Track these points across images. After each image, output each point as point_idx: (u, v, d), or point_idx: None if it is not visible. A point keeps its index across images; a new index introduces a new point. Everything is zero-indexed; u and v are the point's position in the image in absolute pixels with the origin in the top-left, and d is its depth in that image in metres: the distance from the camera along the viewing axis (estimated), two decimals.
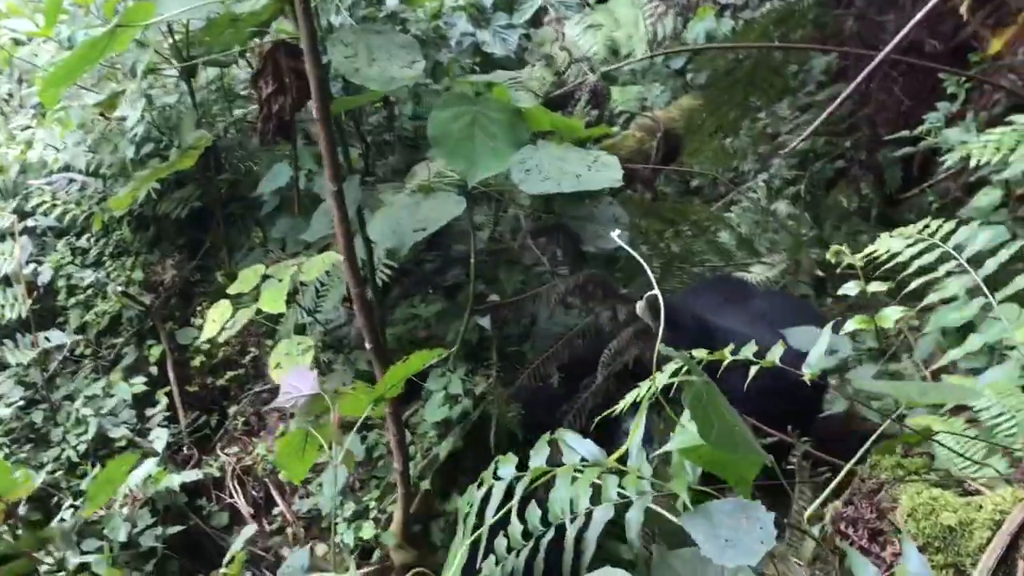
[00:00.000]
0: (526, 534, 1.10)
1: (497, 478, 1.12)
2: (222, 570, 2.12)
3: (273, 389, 3.92)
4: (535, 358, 3.17)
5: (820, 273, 4.36)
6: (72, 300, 3.94)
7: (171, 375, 3.83)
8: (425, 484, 3.23)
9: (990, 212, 3.31)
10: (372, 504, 3.26)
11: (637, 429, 1.06)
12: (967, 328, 2.42)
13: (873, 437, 1.24)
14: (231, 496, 3.59)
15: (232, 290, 3.40)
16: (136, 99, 3.50)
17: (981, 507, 1.01)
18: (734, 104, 4.86)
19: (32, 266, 3.70)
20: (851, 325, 2.73)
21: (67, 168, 3.96)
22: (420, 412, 3.39)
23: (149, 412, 3.62)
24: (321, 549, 3.27)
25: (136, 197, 3.54)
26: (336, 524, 3.13)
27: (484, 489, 1.13)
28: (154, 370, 3.89)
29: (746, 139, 5.37)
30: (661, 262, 4.36)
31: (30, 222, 3.92)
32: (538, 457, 1.15)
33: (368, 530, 3.16)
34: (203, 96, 3.75)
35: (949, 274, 2.51)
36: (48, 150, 3.84)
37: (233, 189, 4.02)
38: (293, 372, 2.00)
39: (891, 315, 2.65)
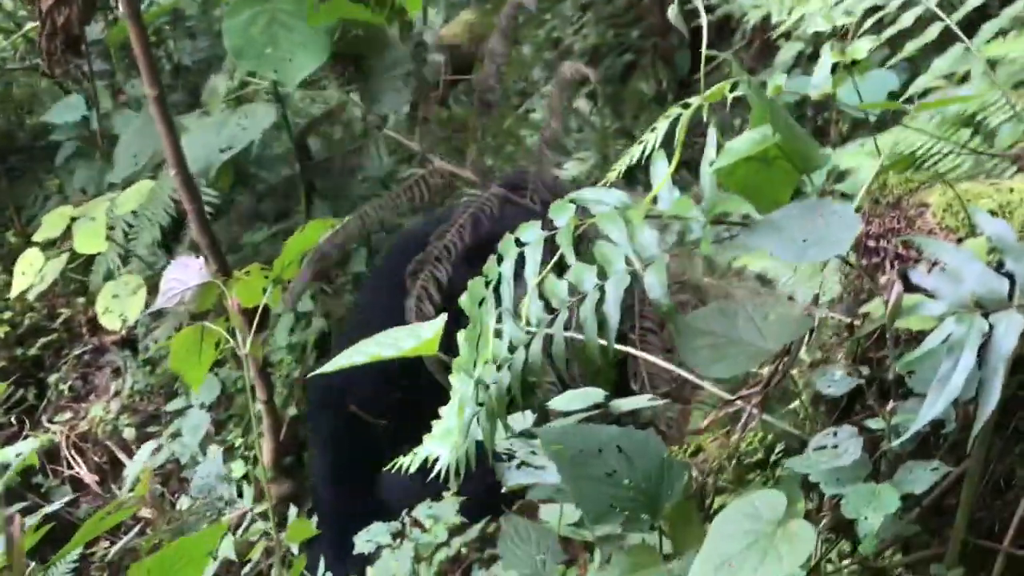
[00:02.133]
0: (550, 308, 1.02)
1: (522, 243, 1.03)
2: (126, 491, 1.89)
3: (97, 348, 3.58)
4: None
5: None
6: None
7: None
8: (291, 411, 3.06)
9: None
10: (238, 442, 3.06)
11: (668, 161, 1.00)
12: None
13: None
14: (70, 467, 3.26)
15: (38, 237, 3.05)
16: None
17: (1012, 190, 1.03)
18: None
19: None
20: None
21: None
22: (272, 339, 3.20)
23: None
24: (185, 502, 3.03)
25: None
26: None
27: (508, 262, 1.03)
28: None
29: (532, 47, 5.40)
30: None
31: None
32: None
33: (238, 468, 2.96)
34: None
35: None
36: None
37: (11, 139, 3.61)
38: (174, 264, 1.79)
39: None
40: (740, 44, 4.09)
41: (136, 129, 3.24)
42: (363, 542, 2.03)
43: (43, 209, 3.57)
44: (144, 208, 3.22)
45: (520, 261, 1.05)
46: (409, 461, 1.16)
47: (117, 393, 3.36)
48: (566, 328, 1.05)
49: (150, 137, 2.89)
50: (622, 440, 1.10)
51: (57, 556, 1.41)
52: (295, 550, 2.17)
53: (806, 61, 3.46)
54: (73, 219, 3.01)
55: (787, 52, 3.50)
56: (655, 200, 1.02)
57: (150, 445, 1.77)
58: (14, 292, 3.00)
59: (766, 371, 1.33)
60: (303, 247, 1.85)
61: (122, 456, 3.25)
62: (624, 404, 1.41)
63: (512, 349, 1.09)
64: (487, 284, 1.05)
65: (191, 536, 1.43)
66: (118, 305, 2.98)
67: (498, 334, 1.08)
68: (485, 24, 5.51)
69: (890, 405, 0.95)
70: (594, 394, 1.40)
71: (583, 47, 5.37)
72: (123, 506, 2.09)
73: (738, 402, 1.37)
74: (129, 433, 3.22)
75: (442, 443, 1.09)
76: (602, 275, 0.98)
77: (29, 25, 3.61)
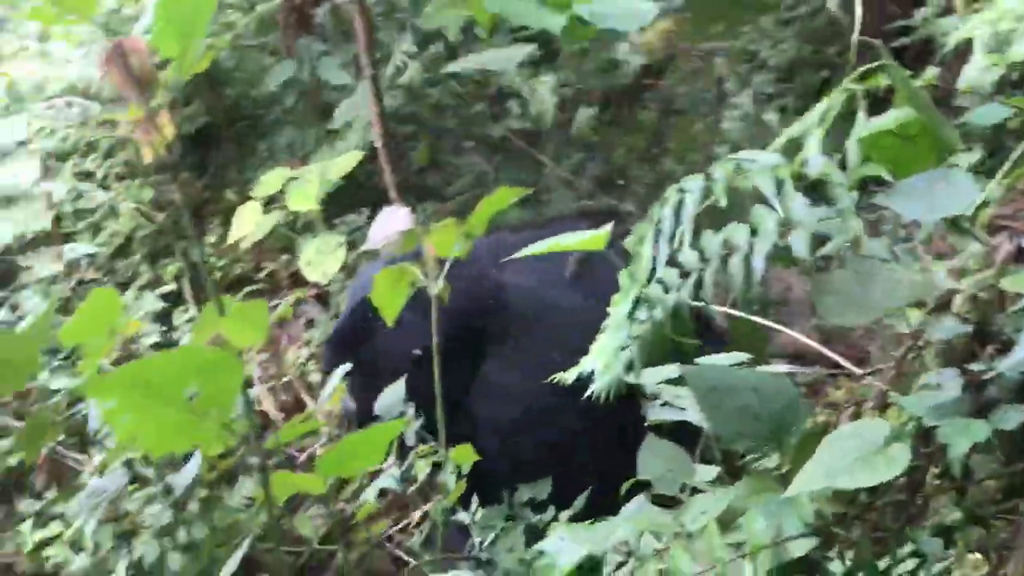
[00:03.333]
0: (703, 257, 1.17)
1: (683, 191, 1.19)
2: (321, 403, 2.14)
3: (295, 301, 3.94)
4: None
5: None
6: (81, 223, 3.90)
7: (189, 292, 3.83)
8: None
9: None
10: None
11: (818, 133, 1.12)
12: None
13: None
14: (259, 404, 3.60)
15: (256, 194, 3.42)
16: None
17: None
18: (719, 18, 4.95)
19: (43, 185, 3.66)
20: None
21: (69, 91, 3.91)
22: None
23: (177, 321, 3.62)
24: None
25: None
26: None
27: (670, 205, 1.18)
28: (168, 289, 3.88)
29: (723, 58, 5.48)
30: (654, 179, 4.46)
31: (32, 146, 3.86)
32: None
33: None
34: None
35: None
36: (52, 66, 3.80)
37: (238, 108, 4.02)
38: (384, 212, 2.03)
39: None
40: (939, 67, 4.05)
41: (351, 102, 3.56)
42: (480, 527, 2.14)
43: (258, 172, 3.96)
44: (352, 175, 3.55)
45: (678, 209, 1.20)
46: (568, 374, 1.32)
47: (308, 342, 3.69)
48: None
49: (363, 110, 3.20)
50: (757, 380, 1.24)
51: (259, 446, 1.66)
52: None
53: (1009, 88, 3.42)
54: (289, 179, 3.37)
55: (987, 76, 3.46)
56: (804, 164, 1.15)
57: (343, 368, 2.00)
58: (231, 238, 3.37)
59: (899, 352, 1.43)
60: (495, 208, 2.03)
61: (306, 398, 3.58)
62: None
63: (666, 290, 1.24)
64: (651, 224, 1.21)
65: (371, 428, 1.62)
66: (320, 260, 3.31)
67: (653, 275, 1.24)
68: (682, 33, 5.64)
69: (989, 349, 1.04)
70: (738, 357, 1.54)
71: (779, 61, 5.39)
72: (311, 417, 2.36)
73: (868, 378, 1.47)
74: (315, 378, 3.55)
75: (596, 359, 1.26)
76: (752, 232, 1.12)
77: (261, 7, 4.01)
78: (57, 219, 3.90)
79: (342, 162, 3.34)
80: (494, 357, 2.32)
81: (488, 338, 2.29)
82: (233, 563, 1.77)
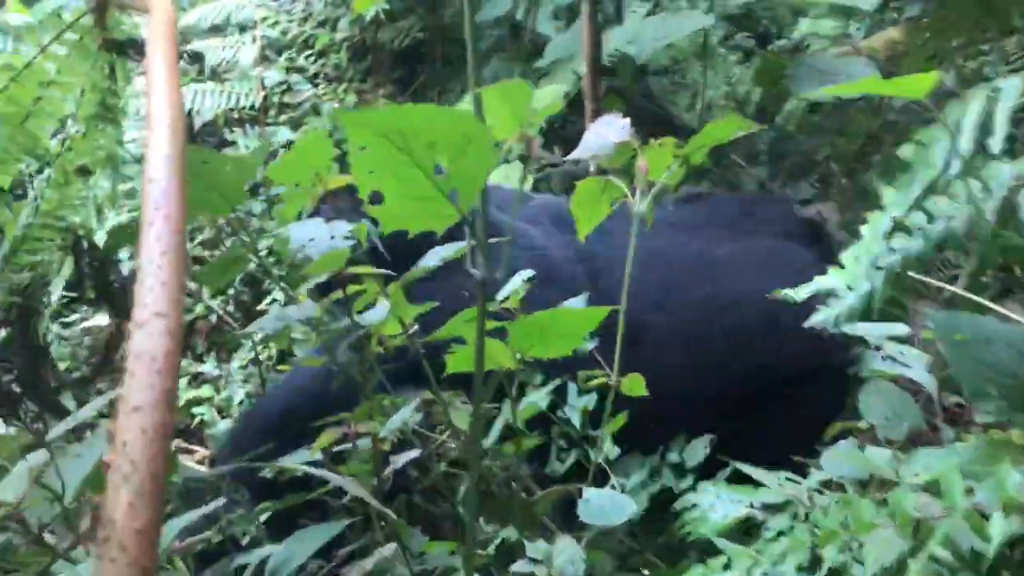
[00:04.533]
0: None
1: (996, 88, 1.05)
2: None
3: None
4: None
5: None
6: (283, 116, 3.99)
7: None
8: None
9: None
10: None
11: None
12: None
13: None
14: None
15: None
16: None
17: None
18: (963, 29, 4.63)
19: (260, 67, 3.76)
20: None
21: None
22: None
23: None
24: None
25: None
26: None
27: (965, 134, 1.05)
28: None
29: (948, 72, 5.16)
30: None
31: (255, 31, 3.97)
32: None
33: None
34: None
35: None
36: None
37: (453, 30, 4.01)
38: (602, 119, 1.94)
39: None
40: None
41: (562, 41, 3.51)
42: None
43: (458, 96, 3.95)
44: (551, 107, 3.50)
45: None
46: (798, 292, 1.21)
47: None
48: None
49: (576, 43, 3.14)
50: (1013, 336, 1.10)
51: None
52: None
53: None
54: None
55: None
56: None
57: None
58: None
59: None
60: (719, 135, 1.92)
61: None
62: None
63: (931, 219, 1.11)
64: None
65: (575, 307, 1.50)
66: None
67: (922, 198, 1.11)
68: (909, 44, 5.34)
69: None
70: None
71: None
72: None
73: None
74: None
75: (838, 277, 1.14)
76: None
77: None
78: (264, 108, 4.01)
79: (547, 92, 3.28)
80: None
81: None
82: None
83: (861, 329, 1.21)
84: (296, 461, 1.41)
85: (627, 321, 1.62)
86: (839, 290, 1.12)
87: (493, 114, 1.15)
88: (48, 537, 1.24)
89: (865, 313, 1.09)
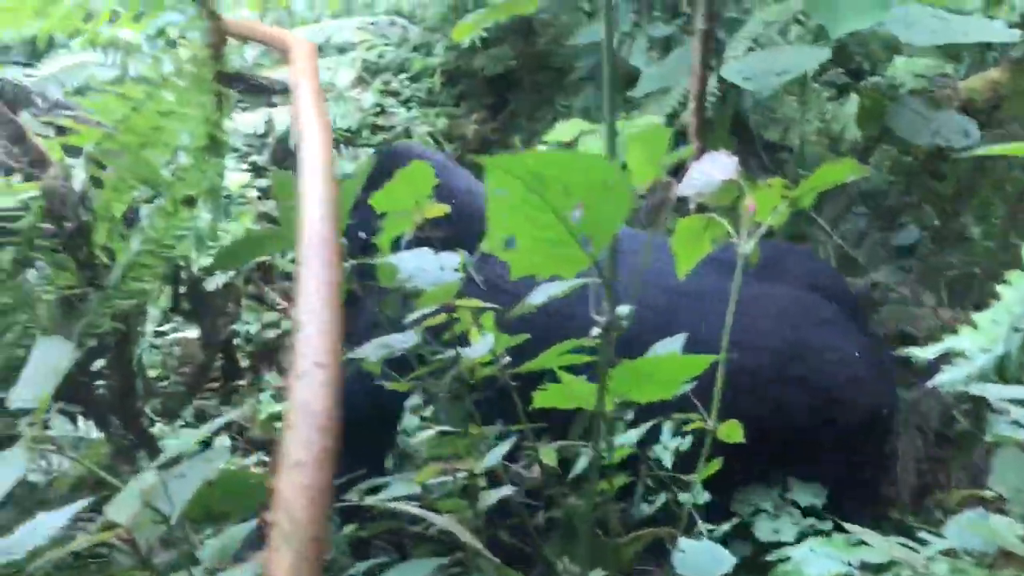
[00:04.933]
0: None
1: None
2: None
3: None
4: None
5: None
6: (377, 138, 4.05)
7: None
8: None
9: None
10: None
11: None
12: None
13: None
14: None
15: (548, 139, 3.41)
16: None
17: None
18: None
19: (357, 89, 3.83)
20: None
21: (394, 11, 4.06)
22: None
23: None
24: None
25: (477, 26, 3.58)
26: None
27: None
28: None
29: None
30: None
31: (353, 54, 4.05)
32: None
33: None
34: None
35: None
36: None
37: (546, 58, 4.04)
38: (707, 156, 1.92)
39: None
40: None
41: (658, 72, 3.49)
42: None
43: (549, 124, 3.97)
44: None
45: None
46: (926, 351, 1.17)
47: None
48: None
49: (678, 73, 3.12)
50: None
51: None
52: None
53: None
54: (583, 132, 3.33)
55: None
56: None
57: None
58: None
59: None
60: (832, 179, 1.87)
61: None
62: None
63: None
64: None
65: (673, 355, 1.48)
66: None
67: None
68: (1013, 87, 5.20)
69: None
70: None
71: None
72: None
73: None
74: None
75: (969, 337, 1.11)
76: None
77: None
78: (358, 131, 4.07)
79: (641, 124, 3.27)
80: None
81: None
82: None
83: (992, 391, 1.17)
84: (396, 494, 1.42)
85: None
86: (970, 351, 1.08)
87: (630, 158, 1.14)
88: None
89: (997, 376, 1.06)
